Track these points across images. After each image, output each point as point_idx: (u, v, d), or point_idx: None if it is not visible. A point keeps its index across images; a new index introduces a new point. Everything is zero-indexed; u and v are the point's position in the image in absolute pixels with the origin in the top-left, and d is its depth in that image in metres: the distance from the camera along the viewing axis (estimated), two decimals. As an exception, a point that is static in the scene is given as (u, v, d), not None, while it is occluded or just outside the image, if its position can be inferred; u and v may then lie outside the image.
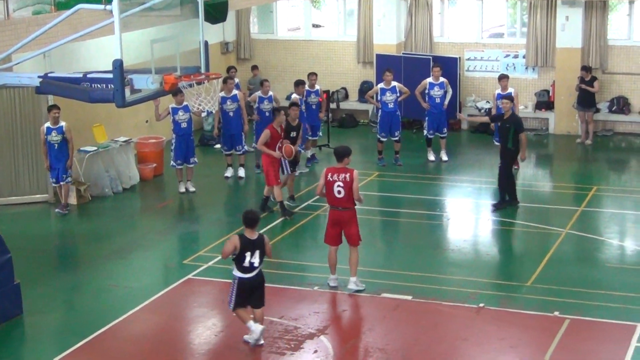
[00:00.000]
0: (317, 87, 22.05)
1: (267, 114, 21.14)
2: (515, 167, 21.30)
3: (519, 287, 14.81)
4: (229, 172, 21.12)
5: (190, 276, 15.43)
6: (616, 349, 12.57)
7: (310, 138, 21.97)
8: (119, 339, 13.36)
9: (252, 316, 12.82)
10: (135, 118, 22.45)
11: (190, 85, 16.85)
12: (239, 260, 12.59)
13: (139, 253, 16.87)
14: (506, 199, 18.56)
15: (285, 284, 15.04)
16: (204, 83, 17.37)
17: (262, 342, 12.78)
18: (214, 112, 20.53)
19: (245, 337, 12.89)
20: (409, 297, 14.38)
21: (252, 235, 12.71)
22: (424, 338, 13.08)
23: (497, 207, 18.47)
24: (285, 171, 18.67)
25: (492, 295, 14.51)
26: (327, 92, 23.04)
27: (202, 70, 17.18)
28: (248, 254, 12.58)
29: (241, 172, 21.12)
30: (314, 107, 21.93)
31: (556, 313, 13.64)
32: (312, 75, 22.13)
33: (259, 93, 21.30)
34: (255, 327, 12.72)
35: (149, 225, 18.43)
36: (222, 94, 20.16)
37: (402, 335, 13.22)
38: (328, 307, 14.21)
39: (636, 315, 13.53)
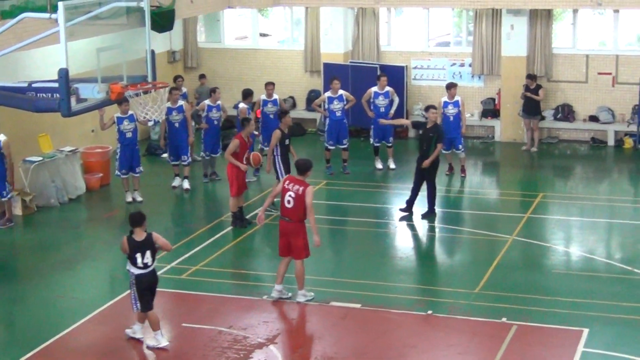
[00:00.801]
0: (275, 96, 21.90)
1: (215, 122, 21.12)
2: (462, 174, 21.50)
3: (467, 294, 14.89)
4: (177, 182, 20.97)
5: (138, 286, 15.33)
6: (563, 354, 12.70)
7: (263, 146, 21.76)
8: (67, 351, 13.24)
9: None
10: (81, 127, 22.22)
11: (137, 95, 16.76)
12: (131, 261, 12.78)
13: (85, 264, 16.74)
14: (434, 206, 18.73)
15: (234, 294, 15.01)
16: (150, 92, 17.28)
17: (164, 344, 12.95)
18: (160, 121, 20.32)
19: (128, 330, 13.25)
20: (358, 306, 14.41)
21: (140, 235, 12.85)
22: (373, 346, 13.10)
23: (425, 216, 18.68)
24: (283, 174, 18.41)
25: (440, 302, 14.58)
26: (292, 98, 23.10)
27: (149, 79, 17.08)
28: (138, 255, 12.76)
29: (186, 184, 20.83)
30: (271, 116, 21.60)
31: (504, 319, 13.74)
32: (269, 84, 21.95)
33: (207, 101, 21.23)
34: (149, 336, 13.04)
35: (95, 236, 18.29)
36: (168, 104, 20.07)
37: (351, 343, 13.23)
38: (277, 317, 14.17)
39: (583, 320, 13.68)
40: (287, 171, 18.09)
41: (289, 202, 14.21)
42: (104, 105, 16.48)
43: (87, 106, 15.61)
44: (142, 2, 17.21)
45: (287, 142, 18.58)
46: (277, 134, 18.45)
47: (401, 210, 18.76)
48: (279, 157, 18.45)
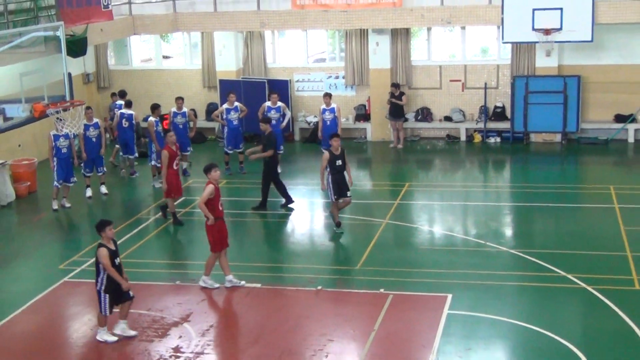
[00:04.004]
0: (184, 109, 21.66)
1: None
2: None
3: (350, 271, 15.00)
4: (89, 192, 20.11)
5: (65, 279, 15.00)
6: (432, 316, 12.89)
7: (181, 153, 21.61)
8: (5, 338, 12.87)
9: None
10: (8, 143, 21.61)
11: (57, 112, 16.46)
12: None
13: (19, 261, 16.28)
14: (289, 195, 18.69)
15: (151, 280, 14.79)
16: (69, 109, 16.97)
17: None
18: (78, 134, 19.82)
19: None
20: (258, 285, 14.37)
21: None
22: (273, 318, 13.10)
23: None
24: (330, 198, 16.95)
25: (328, 279, 14.64)
26: (192, 110, 22.91)
27: (67, 98, 16.80)
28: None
29: (103, 189, 20.34)
30: (181, 126, 21.41)
31: (382, 290, 13.88)
32: (179, 99, 21.70)
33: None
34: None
35: (26, 237, 17.80)
36: (85, 121, 19.52)
37: (254, 317, 13.20)
38: (189, 299, 14.01)
39: (446, 287, 13.91)
40: (337, 193, 16.75)
41: None
42: (29, 123, 16.10)
43: (14, 124, 15.29)
44: (57, 31, 16.94)
45: (338, 162, 16.68)
46: (325, 155, 16.83)
47: (253, 208, 18.63)
48: (330, 177, 16.76)
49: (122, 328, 12.59)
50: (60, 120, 17.17)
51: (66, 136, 18.75)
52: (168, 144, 17.73)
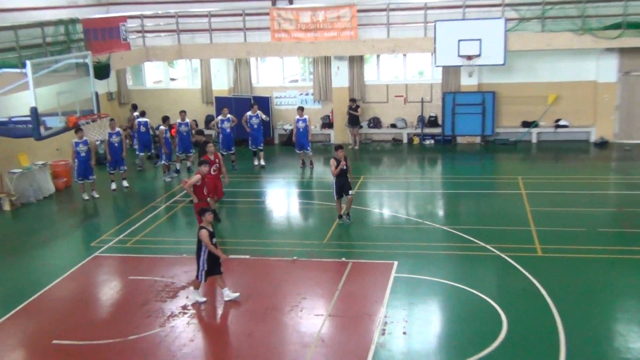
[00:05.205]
0: (187, 120, 21.49)
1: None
2: (311, 167, 21.64)
3: (319, 244, 15.03)
4: (114, 186, 20.06)
5: (96, 254, 14.92)
6: (382, 279, 13.00)
7: (179, 155, 21.56)
8: (50, 300, 12.81)
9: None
10: (49, 147, 21.39)
11: (88, 123, 16.33)
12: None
13: (58, 241, 16.16)
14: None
15: (163, 254, 14.78)
16: (96, 121, 16.85)
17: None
18: (104, 140, 19.79)
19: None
20: (247, 256, 14.39)
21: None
22: (259, 283, 13.14)
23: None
24: (334, 197, 16.12)
25: (301, 250, 14.67)
26: (194, 121, 22.70)
27: (95, 112, 16.65)
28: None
29: (125, 183, 20.24)
30: (184, 134, 21.29)
31: (343, 259, 13.97)
32: (182, 112, 21.50)
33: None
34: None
35: (64, 221, 17.66)
36: (109, 130, 19.45)
37: (244, 281, 13.22)
38: (194, 268, 13.91)
39: (393, 256, 14.02)
40: (338, 193, 15.95)
41: None
42: (65, 131, 15.95)
43: (52, 132, 15.13)
44: (86, 59, 16.80)
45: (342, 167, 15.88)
46: (332, 161, 15.91)
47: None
48: (334, 179, 16.04)
49: (228, 294, 12.36)
50: (81, 130, 17.11)
51: (85, 142, 18.80)
52: (207, 153, 16.53)
